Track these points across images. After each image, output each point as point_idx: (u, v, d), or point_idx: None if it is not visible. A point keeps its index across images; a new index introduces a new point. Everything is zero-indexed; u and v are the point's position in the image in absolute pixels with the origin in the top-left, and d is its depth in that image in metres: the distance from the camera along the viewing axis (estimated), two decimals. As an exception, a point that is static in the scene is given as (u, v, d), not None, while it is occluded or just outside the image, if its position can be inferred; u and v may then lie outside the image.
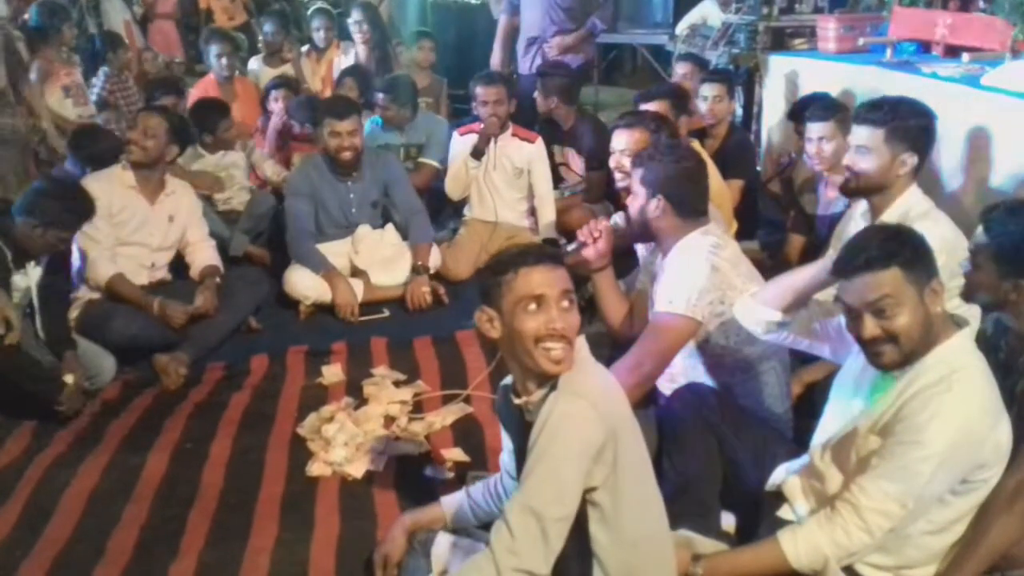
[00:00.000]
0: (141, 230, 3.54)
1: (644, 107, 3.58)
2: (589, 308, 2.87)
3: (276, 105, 4.95)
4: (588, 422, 1.66)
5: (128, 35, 6.47)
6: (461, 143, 4.33)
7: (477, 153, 4.20)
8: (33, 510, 2.50)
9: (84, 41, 5.94)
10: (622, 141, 3.03)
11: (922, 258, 1.83)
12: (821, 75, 4.25)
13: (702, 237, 2.42)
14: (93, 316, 3.35)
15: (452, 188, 4.37)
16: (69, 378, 2.98)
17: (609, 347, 2.75)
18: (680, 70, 4.65)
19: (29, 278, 3.06)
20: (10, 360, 2.84)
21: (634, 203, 2.52)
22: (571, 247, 2.73)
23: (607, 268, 2.70)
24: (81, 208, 3.11)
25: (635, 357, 2.38)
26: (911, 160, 2.52)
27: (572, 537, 1.68)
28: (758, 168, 4.51)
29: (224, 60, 5.24)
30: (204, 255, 3.70)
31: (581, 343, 1.78)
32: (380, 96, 4.63)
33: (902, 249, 1.81)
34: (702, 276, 2.34)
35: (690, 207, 2.46)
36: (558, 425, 1.66)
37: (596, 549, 1.73)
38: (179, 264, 3.73)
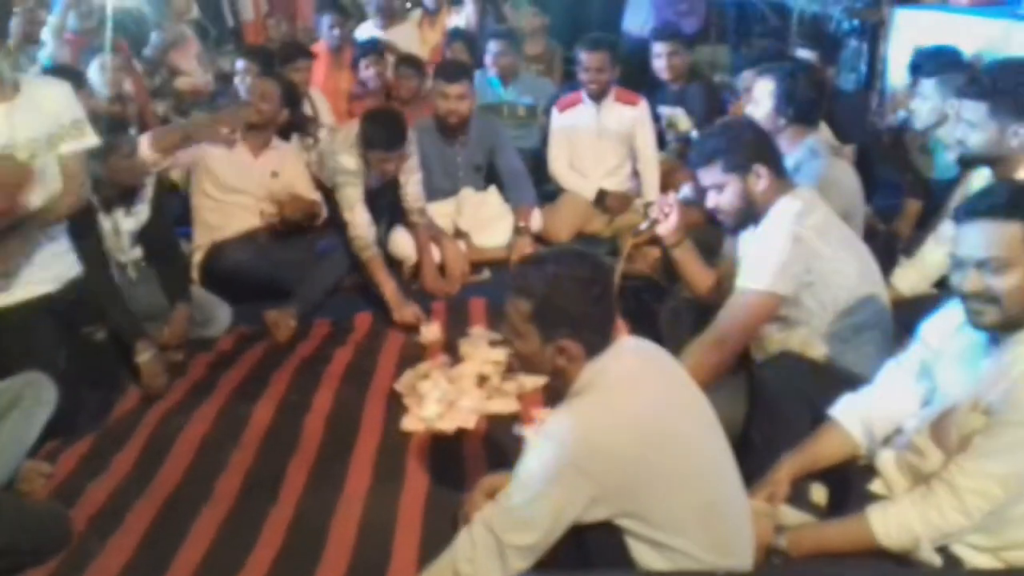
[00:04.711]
0: (243, 178, 3.72)
1: None
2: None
3: (367, 72, 4.87)
4: (566, 479, 1.57)
5: (255, 3, 6.68)
6: (560, 120, 4.28)
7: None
8: (149, 454, 2.66)
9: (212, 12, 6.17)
10: None
11: None
12: (952, 29, 4.00)
13: (790, 202, 2.33)
14: (211, 255, 3.64)
15: (559, 172, 4.32)
16: (144, 356, 2.98)
17: (694, 312, 2.71)
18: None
19: (118, 223, 3.18)
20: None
21: (729, 193, 2.37)
22: (643, 226, 2.69)
23: (683, 241, 2.65)
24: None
25: (717, 333, 2.33)
26: (1023, 131, 2.35)
27: (609, 550, 1.63)
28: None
29: (336, 30, 5.23)
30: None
31: (591, 369, 1.67)
32: (492, 42, 4.64)
33: None
34: (784, 250, 2.26)
35: (778, 165, 2.40)
36: (536, 467, 1.60)
37: (637, 557, 1.65)
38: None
